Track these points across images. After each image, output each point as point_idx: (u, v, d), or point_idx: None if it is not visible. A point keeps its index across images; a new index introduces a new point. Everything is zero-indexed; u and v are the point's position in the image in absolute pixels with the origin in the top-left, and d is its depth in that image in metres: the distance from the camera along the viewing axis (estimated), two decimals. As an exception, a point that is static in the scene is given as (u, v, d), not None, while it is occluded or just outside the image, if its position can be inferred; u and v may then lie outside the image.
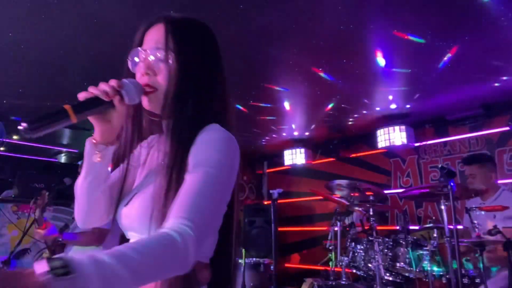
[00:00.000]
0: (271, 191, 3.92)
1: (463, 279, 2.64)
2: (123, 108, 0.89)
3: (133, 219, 0.88)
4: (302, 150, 5.28)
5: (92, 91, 0.86)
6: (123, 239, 0.93)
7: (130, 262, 0.63)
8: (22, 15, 2.32)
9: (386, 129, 4.29)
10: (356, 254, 3.32)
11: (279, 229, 5.72)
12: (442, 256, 2.91)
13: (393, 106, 3.91)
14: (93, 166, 0.93)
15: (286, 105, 3.93)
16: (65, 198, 4.10)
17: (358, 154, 5.13)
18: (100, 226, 1.01)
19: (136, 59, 0.94)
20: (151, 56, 0.90)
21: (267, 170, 6.42)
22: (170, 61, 0.89)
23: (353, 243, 3.39)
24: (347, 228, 3.57)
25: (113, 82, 0.86)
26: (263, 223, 5.42)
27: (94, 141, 0.93)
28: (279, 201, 5.49)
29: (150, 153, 0.99)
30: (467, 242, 2.79)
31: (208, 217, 0.77)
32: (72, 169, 5.18)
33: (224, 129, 0.87)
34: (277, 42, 2.67)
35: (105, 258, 0.61)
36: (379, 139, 4.35)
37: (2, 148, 4.91)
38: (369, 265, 3.16)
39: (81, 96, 0.85)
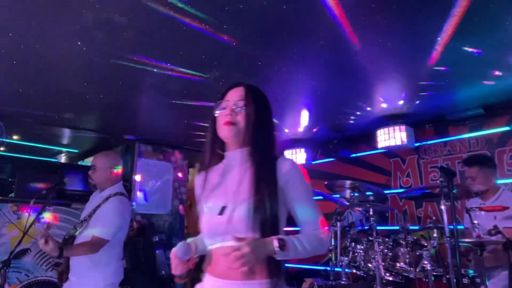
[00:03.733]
0: (271, 191, 3.91)
1: (463, 279, 2.64)
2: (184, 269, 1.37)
3: (231, 226, 1.27)
4: (302, 150, 5.28)
5: (177, 273, 1.36)
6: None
7: (304, 245, 1.27)
8: (23, 16, 2.32)
9: (386, 129, 4.28)
10: (356, 254, 3.32)
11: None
12: (442, 256, 2.92)
13: (400, 102, 3.89)
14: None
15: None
16: (65, 198, 4.10)
17: (358, 154, 5.13)
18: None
19: (219, 108, 1.43)
20: (234, 104, 1.40)
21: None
22: (249, 108, 1.38)
23: (353, 243, 3.39)
24: (347, 228, 3.58)
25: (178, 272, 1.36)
26: (263, 223, 5.41)
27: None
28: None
29: (210, 176, 1.45)
30: (467, 242, 2.79)
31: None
32: (72, 169, 5.19)
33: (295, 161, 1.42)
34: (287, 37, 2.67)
35: (296, 240, 1.26)
36: (379, 139, 4.35)
37: (2, 148, 4.91)
38: (369, 265, 3.16)
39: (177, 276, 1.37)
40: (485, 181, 2.99)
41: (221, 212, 1.31)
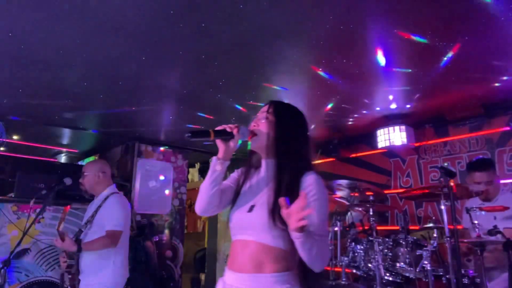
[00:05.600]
0: (271, 191, 3.91)
1: (463, 279, 2.64)
2: (238, 138, 1.47)
3: (255, 223, 1.41)
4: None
5: (224, 126, 1.46)
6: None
7: (315, 244, 1.28)
8: (23, 15, 2.32)
9: (386, 129, 4.28)
10: (356, 254, 3.32)
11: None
12: (442, 256, 2.92)
13: (393, 106, 3.90)
14: (215, 172, 1.49)
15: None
16: (65, 198, 4.09)
17: (358, 154, 5.12)
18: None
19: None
20: (258, 116, 1.56)
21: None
22: (269, 118, 1.52)
23: (353, 243, 3.39)
24: (347, 228, 3.58)
25: (234, 125, 1.47)
26: (263, 223, 5.41)
27: (218, 157, 1.50)
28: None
29: (250, 177, 1.60)
30: (467, 242, 2.79)
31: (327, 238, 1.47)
32: (72, 169, 5.18)
33: (319, 176, 1.47)
34: (276, 41, 2.67)
35: (314, 236, 1.28)
36: (379, 139, 4.35)
37: (2, 148, 4.91)
38: (369, 265, 3.16)
39: (217, 128, 1.46)
40: (490, 184, 2.99)
41: (250, 210, 1.46)
